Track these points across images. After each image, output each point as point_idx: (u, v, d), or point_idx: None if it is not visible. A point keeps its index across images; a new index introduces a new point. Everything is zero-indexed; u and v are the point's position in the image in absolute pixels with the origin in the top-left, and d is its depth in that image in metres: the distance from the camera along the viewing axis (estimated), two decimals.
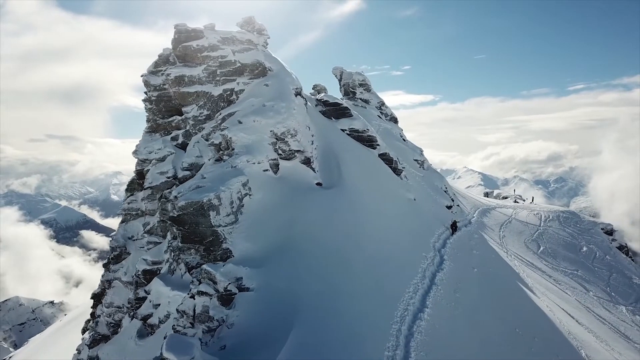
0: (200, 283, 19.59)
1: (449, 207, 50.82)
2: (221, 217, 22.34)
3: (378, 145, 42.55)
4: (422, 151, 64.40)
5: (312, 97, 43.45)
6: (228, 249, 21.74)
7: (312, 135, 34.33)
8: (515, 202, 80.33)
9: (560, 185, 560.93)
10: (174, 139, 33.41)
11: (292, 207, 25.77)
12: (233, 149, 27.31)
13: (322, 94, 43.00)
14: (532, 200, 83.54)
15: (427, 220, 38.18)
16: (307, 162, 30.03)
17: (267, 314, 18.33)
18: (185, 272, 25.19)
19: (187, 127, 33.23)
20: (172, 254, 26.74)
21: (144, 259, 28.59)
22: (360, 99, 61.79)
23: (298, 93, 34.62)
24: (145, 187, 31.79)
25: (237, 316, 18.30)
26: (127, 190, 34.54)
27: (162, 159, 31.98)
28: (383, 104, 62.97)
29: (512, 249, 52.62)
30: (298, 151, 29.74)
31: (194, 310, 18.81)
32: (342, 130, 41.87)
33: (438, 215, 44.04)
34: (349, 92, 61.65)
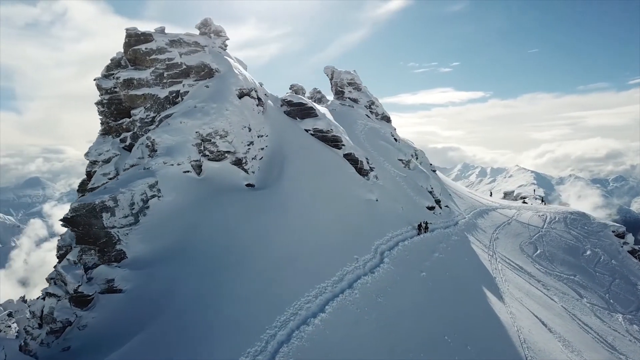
0: (55, 284, 19.81)
1: (431, 208, 49.25)
2: (116, 218, 22.49)
3: (343, 145, 41.73)
4: (415, 151, 62.94)
5: (277, 97, 43.12)
6: (122, 250, 21.86)
7: (259, 137, 34.07)
8: (524, 202, 76.94)
9: (620, 185, 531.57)
10: (122, 140, 34.01)
11: (206, 209, 25.63)
12: (155, 151, 27.47)
13: (287, 94, 42.60)
14: (542, 201, 79.71)
15: (384, 221, 37.11)
16: (238, 163, 29.84)
17: (129, 315, 18.29)
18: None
19: (135, 129, 33.74)
20: (77, 256, 27.21)
21: (67, 259, 29.24)
22: (349, 98, 60.98)
23: (246, 94, 34.47)
24: (88, 187, 32.53)
25: (92, 317, 18.37)
26: (78, 190, 35.43)
27: (108, 161, 32.61)
28: (373, 103, 61.85)
29: (502, 252, 50.50)
30: (228, 152, 29.59)
31: (42, 311, 19.02)
32: (306, 130, 41.36)
33: (407, 216, 42.76)
34: (338, 92, 60.91)
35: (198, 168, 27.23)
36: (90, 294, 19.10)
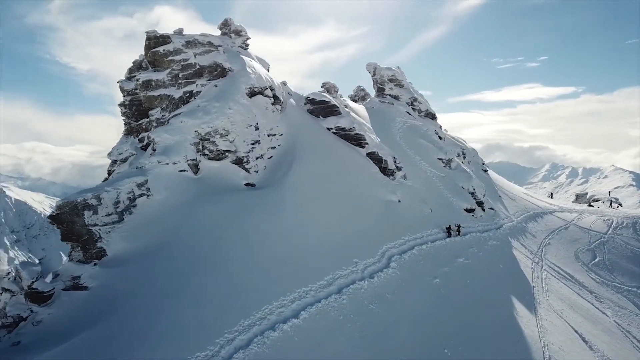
0: (15, 280, 20.46)
1: (470, 210, 46.28)
2: (99, 216, 22.96)
3: (367, 144, 40.21)
4: (463, 149, 59.60)
5: (302, 96, 42.47)
6: (102, 248, 22.29)
7: (270, 135, 33.69)
8: (589, 205, 70.34)
9: None
10: (140, 140, 34.99)
11: (196, 209, 25.54)
12: (155, 150, 27.88)
13: (310, 92, 41.82)
14: (611, 204, 72.33)
15: (404, 224, 35.23)
16: (239, 162, 29.55)
17: (87, 313, 18.49)
18: None
19: (151, 129, 34.61)
20: (68, 252, 28.14)
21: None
22: (390, 95, 59.00)
23: (258, 92, 34.21)
24: None
25: (49, 314, 18.74)
26: None
27: (125, 160, 33.69)
28: (415, 99, 59.32)
29: (551, 259, 46.47)
30: (228, 151, 29.39)
31: None
32: (329, 129, 40.36)
33: (437, 219, 40.39)
34: (379, 89, 59.18)
35: (195, 167, 27.25)
36: (45, 290, 19.57)
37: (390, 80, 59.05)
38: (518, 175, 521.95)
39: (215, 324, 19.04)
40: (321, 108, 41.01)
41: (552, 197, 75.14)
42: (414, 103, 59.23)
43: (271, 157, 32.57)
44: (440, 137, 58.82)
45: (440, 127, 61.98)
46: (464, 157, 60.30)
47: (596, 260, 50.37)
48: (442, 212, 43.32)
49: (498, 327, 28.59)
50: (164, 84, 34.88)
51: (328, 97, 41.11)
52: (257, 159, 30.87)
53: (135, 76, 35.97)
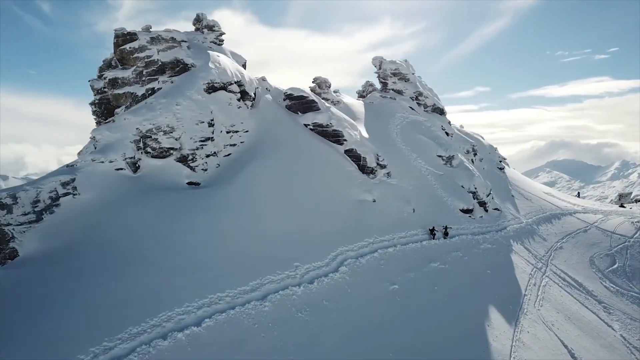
0: None
1: (467, 211, 43.14)
2: (13, 216, 22.51)
3: (345, 140, 38.15)
4: (474, 146, 56.08)
5: (282, 91, 40.93)
6: (15, 248, 21.84)
7: (231, 132, 32.50)
8: (621, 206, 64.37)
9: None
10: None
11: (123, 209, 24.67)
12: (95, 148, 27.33)
13: (288, 87, 40.16)
14: None
15: (376, 225, 33.02)
16: (183, 160, 28.46)
17: None
18: None
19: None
20: None
21: None
22: (393, 89, 56.33)
23: (220, 88, 33.08)
24: None
25: None
26: None
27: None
28: (420, 94, 56.27)
29: (559, 265, 42.68)
30: (173, 149, 28.37)
31: None
32: (306, 125, 38.64)
33: (422, 219, 37.81)
34: (382, 83, 56.68)
35: (133, 165, 26.42)
36: None
37: (394, 74, 56.31)
38: (584, 174, 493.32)
39: (98, 331, 17.94)
40: (299, 104, 39.31)
41: (578, 197, 69.40)
42: (419, 97, 56.18)
43: (229, 154, 31.25)
44: (447, 133, 55.47)
45: (449, 122, 58.52)
46: (475, 154, 56.59)
47: (615, 266, 45.73)
48: (431, 213, 40.51)
49: (459, 340, 25.91)
50: (129, 81, 34.48)
51: (307, 92, 39.34)
52: (207, 156, 29.65)
53: (104, 75, 35.76)
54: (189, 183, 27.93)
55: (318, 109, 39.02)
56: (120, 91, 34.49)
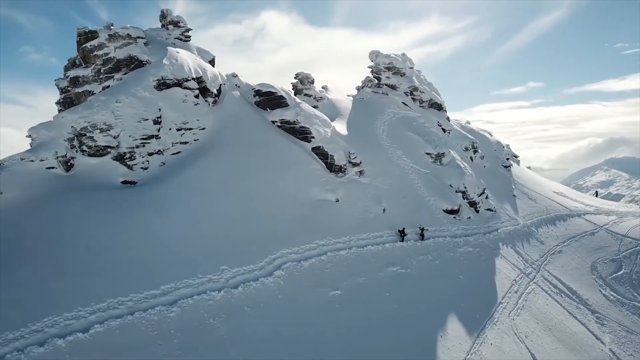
0: None
1: (451, 212, 40.56)
2: None
3: (313, 137, 36.49)
4: (474, 143, 53.11)
5: (250, 86, 39.65)
6: None
7: (182, 130, 31.61)
8: None
9: None
10: None
11: (48, 207, 24.18)
12: (31, 146, 27.02)
13: (258, 83, 38.88)
14: None
15: (331, 225, 31.30)
16: (120, 158, 27.68)
17: None
18: None
19: None
20: None
21: None
22: (386, 84, 53.96)
23: (174, 84, 32.26)
24: None
25: None
26: None
27: None
28: (415, 89, 53.61)
29: (553, 270, 39.70)
30: (109, 147, 27.65)
31: None
32: (274, 122, 37.26)
33: (394, 220, 35.75)
34: (375, 78, 54.48)
35: (65, 164, 25.86)
36: None
37: (388, 69, 53.90)
38: None
39: None
40: (268, 100, 37.94)
41: (597, 196, 64.46)
42: (414, 93, 53.52)
43: (178, 152, 30.25)
44: (444, 130, 52.65)
45: (448, 118, 55.50)
46: (475, 152, 53.44)
47: (620, 272, 41.96)
48: (407, 213, 38.24)
49: (399, 353, 23.86)
50: (88, 79, 34.19)
51: (275, 87, 37.90)
52: (150, 155, 28.76)
53: (67, 73, 35.67)
54: (124, 182, 27.11)
55: (287, 105, 37.48)
56: (80, 89, 34.28)
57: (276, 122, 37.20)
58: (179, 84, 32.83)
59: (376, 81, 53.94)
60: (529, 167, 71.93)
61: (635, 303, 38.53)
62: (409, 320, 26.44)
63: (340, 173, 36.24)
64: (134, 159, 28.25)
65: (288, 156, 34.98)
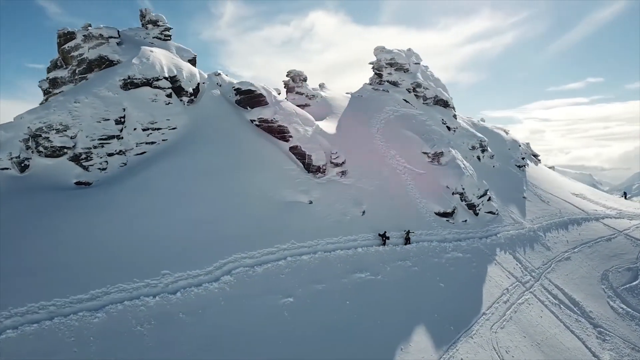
0: None
1: (444, 214, 38.27)
2: None
3: (291, 137, 35.18)
4: (482, 142, 50.27)
5: (232, 84, 38.75)
6: None
7: (149, 130, 31.14)
8: None
9: None
10: None
11: None
12: None
13: (238, 81, 37.92)
14: None
15: (299, 228, 29.93)
16: (76, 159, 27.34)
17: None
18: None
19: None
20: None
21: None
22: (388, 81, 51.87)
23: (144, 84, 31.86)
24: None
25: None
26: None
27: None
28: (419, 85, 51.18)
29: (555, 280, 36.89)
30: (66, 147, 27.35)
31: None
32: (252, 121, 36.23)
33: (375, 223, 33.99)
34: (376, 75, 52.52)
35: (19, 165, 25.76)
36: None
37: (390, 65, 51.72)
38: None
39: None
40: (248, 98, 36.91)
41: (625, 198, 59.50)
42: (417, 89, 51.07)
43: (144, 152, 29.73)
44: (449, 128, 49.99)
45: (454, 115, 52.67)
46: (483, 151, 50.46)
47: (635, 282, 38.48)
48: (393, 216, 36.31)
49: None
50: (64, 81, 34.30)
51: (255, 85, 36.81)
52: (110, 155, 28.30)
53: (48, 75, 35.99)
54: (78, 183, 26.71)
55: (266, 103, 36.31)
56: (58, 91, 34.38)
57: (255, 121, 36.12)
58: (148, 83, 32.31)
59: (377, 78, 51.77)
60: (551, 167, 67.62)
61: None
62: (367, 332, 24.63)
63: (319, 174, 34.69)
64: (91, 159, 27.84)
65: (262, 156, 33.78)
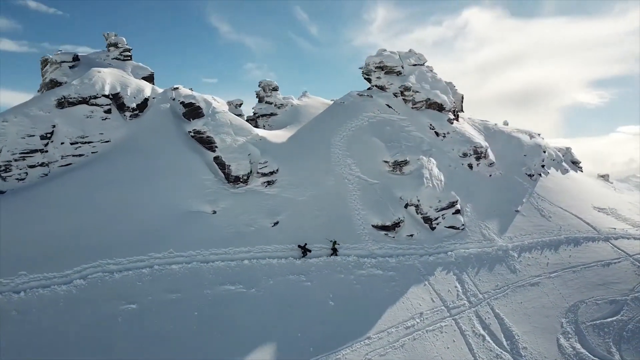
0: None
1: (385, 228, 36.13)
2: None
3: (216, 147, 36.31)
4: (476, 147, 46.06)
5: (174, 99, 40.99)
6: None
7: (78, 144, 34.91)
8: None
9: None
10: None
11: None
12: None
13: (184, 95, 40.03)
14: None
15: (175, 239, 30.82)
16: None
17: None
18: None
19: None
20: None
21: None
22: (376, 85, 49.75)
23: (80, 102, 35.83)
24: None
25: None
26: None
27: None
28: (407, 89, 48.08)
29: (500, 307, 33.57)
30: None
31: None
32: (189, 132, 38.22)
33: (275, 234, 33.64)
34: (366, 79, 50.83)
35: None
36: None
37: (380, 68, 49.36)
38: None
39: None
40: (190, 110, 38.77)
41: None
42: (405, 93, 47.98)
43: (69, 164, 33.48)
44: (437, 133, 46.30)
45: (450, 119, 48.28)
46: (479, 158, 45.69)
47: (610, 319, 32.64)
48: (318, 228, 35.22)
49: None
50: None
51: (196, 98, 38.55)
52: (32, 167, 32.39)
53: None
54: None
55: (203, 115, 37.89)
56: None
57: (191, 132, 37.82)
58: (85, 101, 35.93)
59: (368, 83, 49.95)
60: (604, 176, 57.78)
61: None
62: (205, 347, 24.62)
63: (240, 183, 35.12)
64: (10, 170, 32.06)
65: (180, 166, 35.26)
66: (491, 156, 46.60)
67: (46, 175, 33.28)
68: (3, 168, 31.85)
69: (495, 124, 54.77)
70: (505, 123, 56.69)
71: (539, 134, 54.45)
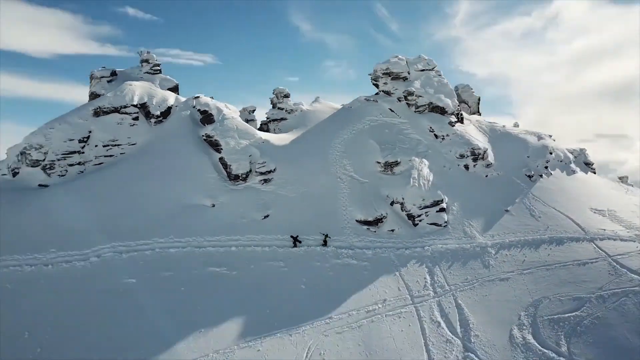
0: None
1: (367, 223, 40.21)
2: None
3: (222, 149, 42.10)
4: (474, 150, 48.66)
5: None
6: None
7: (109, 146, 42.11)
8: None
9: None
10: None
11: None
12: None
13: (202, 103, 46.16)
14: None
15: (173, 227, 36.57)
16: (44, 168, 39.62)
17: None
18: None
19: None
20: None
21: None
22: (383, 91, 53.30)
23: (112, 111, 43.11)
24: None
25: None
26: None
27: None
28: (410, 93, 51.16)
29: (463, 299, 36.59)
30: (37, 160, 39.74)
31: None
32: (202, 136, 44.37)
33: (264, 226, 38.70)
34: (374, 85, 54.54)
35: (11, 172, 39.12)
36: None
37: (387, 74, 52.78)
38: None
39: None
40: (205, 117, 44.89)
41: None
42: (409, 97, 51.09)
43: (101, 163, 40.74)
44: (436, 136, 49.17)
45: (452, 122, 50.67)
46: (476, 159, 48.01)
47: (569, 314, 34.87)
48: (305, 222, 39.73)
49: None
50: None
51: (210, 105, 44.56)
52: (71, 165, 39.87)
53: None
54: (40, 185, 38.73)
55: (213, 120, 43.84)
56: None
57: (203, 136, 43.87)
58: (117, 110, 43.04)
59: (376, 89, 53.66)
60: (622, 178, 57.04)
61: (548, 354, 31.12)
62: (188, 314, 29.55)
63: (240, 181, 40.54)
64: (53, 168, 39.67)
65: (190, 166, 41.25)
66: (490, 157, 48.55)
67: (82, 172, 40.61)
68: (48, 166, 39.48)
69: (504, 126, 56.10)
70: (516, 125, 57.72)
71: (550, 136, 55.09)
